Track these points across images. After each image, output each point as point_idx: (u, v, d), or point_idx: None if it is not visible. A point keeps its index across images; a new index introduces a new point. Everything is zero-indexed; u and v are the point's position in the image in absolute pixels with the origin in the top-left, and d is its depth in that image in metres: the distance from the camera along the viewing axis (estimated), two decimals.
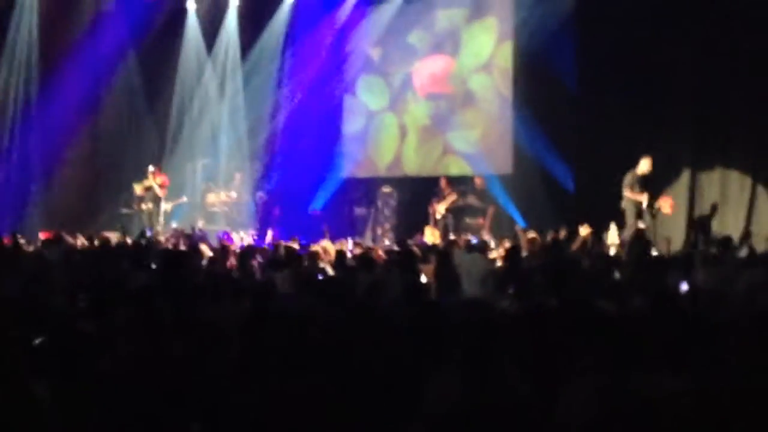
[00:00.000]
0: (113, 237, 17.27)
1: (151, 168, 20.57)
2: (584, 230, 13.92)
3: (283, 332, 5.57)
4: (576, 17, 18.73)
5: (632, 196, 15.85)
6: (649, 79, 17.33)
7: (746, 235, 15.98)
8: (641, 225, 15.65)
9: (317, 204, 21.87)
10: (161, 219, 20.35)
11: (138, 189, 20.49)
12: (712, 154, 17.29)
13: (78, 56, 21.21)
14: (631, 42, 17.27)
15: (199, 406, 4.98)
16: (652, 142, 17.24)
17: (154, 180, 20.21)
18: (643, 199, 15.80)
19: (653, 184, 16.06)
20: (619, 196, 16.03)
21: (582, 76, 18.34)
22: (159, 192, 20.23)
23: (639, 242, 13.39)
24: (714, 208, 16.92)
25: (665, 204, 16.10)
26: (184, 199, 21.54)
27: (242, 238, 19.03)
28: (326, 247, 13.93)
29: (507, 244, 14.33)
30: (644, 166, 15.92)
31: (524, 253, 12.55)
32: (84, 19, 21.85)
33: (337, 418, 4.46)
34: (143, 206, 20.43)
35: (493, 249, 14.20)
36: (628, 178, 15.96)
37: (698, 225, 16.71)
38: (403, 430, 4.67)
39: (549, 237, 14.68)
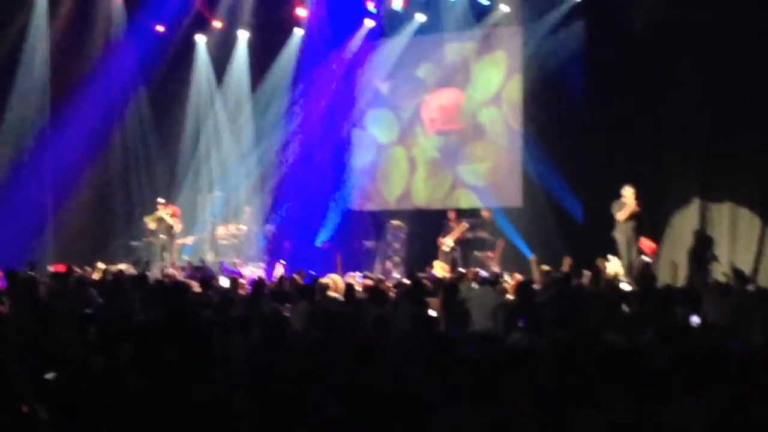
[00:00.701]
0: (124, 269, 17.29)
1: (160, 200, 20.58)
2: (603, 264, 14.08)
3: (292, 365, 5.55)
4: (585, 50, 18.78)
5: (623, 217, 16.04)
6: (659, 112, 17.33)
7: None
8: (646, 258, 15.70)
9: (325, 237, 21.88)
10: (174, 252, 20.31)
11: (150, 222, 20.47)
12: (721, 188, 17.21)
13: (88, 87, 21.24)
14: (641, 75, 17.30)
15: None
16: (662, 174, 17.26)
17: (164, 211, 20.17)
18: (620, 216, 16.04)
19: (640, 215, 16.13)
20: (611, 227, 16.21)
21: (591, 108, 18.33)
22: (171, 221, 20.16)
23: (646, 275, 13.38)
24: (708, 240, 16.88)
25: (646, 246, 16.14)
26: (191, 239, 21.57)
27: (252, 271, 19.03)
28: (335, 279, 13.92)
29: (518, 277, 14.31)
30: (628, 193, 16.09)
31: (536, 286, 12.51)
32: (94, 50, 21.85)
33: None
34: (155, 238, 20.41)
35: (504, 282, 14.13)
36: (615, 206, 16.19)
37: (693, 255, 16.68)
38: None
39: (562, 268, 14.69)
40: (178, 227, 20.41)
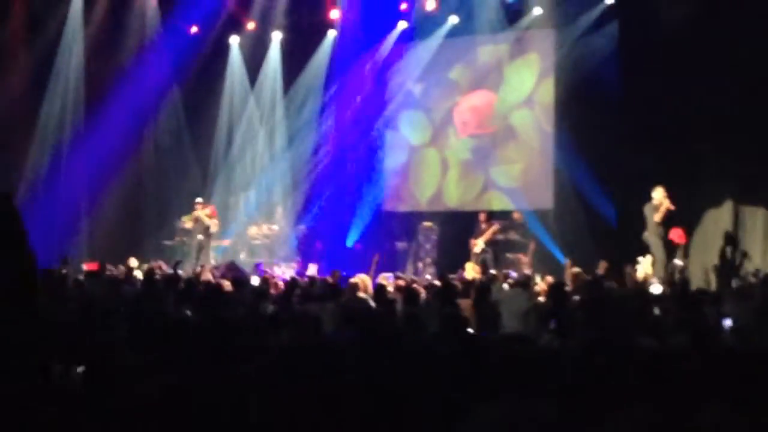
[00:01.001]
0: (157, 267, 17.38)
1: (198, 200, 20.70)
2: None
3: (324, 364, 5.56)
4: (618, 52, 18.70)
5: (659, 218, 16.04)
6: (695, 113, 17.18)
7: None
8: (679, 262, 15.63)
9: (356, 238, 21.89)
10: (211, 252, 20.39)
11: (187, 222, 20.59)
12: (756, 189, 17.10)
13: (123, 88, 21.43)
14: (675, 76, 17.18)
15: None
16: (695, 175, 17.18)
17: (202, 211, 20.26)
18: (656, 218, 16.04)
19: (674, 214, 16.15)
20: (642, 230, 16.26)
21: (625, 110, 18.21)
22: (208, 222, 20.24)
23: (679, 278, 13.31)
24: (738, 242, 16.77)
25: (675, 235, 16.06)
26: (227, 242, 21.70)
27: (283, 271, 19.06)
28: (364, 279, 13.89)
29: (549, 280, 14.27)
30: (658, 194, 16.14)
31: (568, 288, 12.46)
32: (129, 49, 22.11)
33: None
34: (189, 238, 20.56)
35: (536, 284, 14.09)
36: (647, 208, 16.28)
37: (723, 257, 16.54)
38: None
39: (597, 272, 14.69)
40: (215, 227, 20.49)
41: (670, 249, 16.10)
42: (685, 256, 16.20)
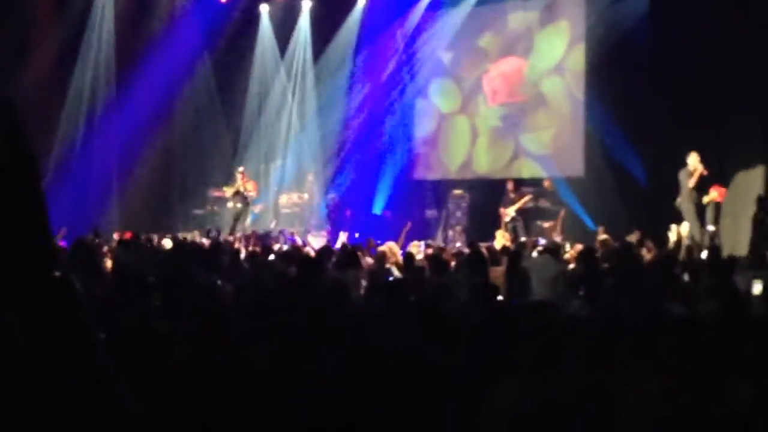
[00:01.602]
0: (189, 237, 17.52)
1: (240, 169, 20.89)
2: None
3: (353, 332, 5.59)
4: (649, 17, 18.52)
5: (693, 183, 15.92)
6: (725, 78, 17.06)
7: None
8: (711, 228, 15.52)
9: (384, 206, 21.91)
10: (248, 221, 20.49)
11: (228, 191, 20.68)
12: None
13: (153, 56, 21.38)
14: (706, 42, 17.01)
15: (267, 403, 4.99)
16: (727, 140, 17.06)
17: (243, 183, 20.35)
18: (690, 183, 15.93)
19: (707, 179, 16.05)
20: (674, 196, 16.14)
21: (656, 76, 18.08)
22: (249, 194, 20.41)
23: (711, 245, 13.26)
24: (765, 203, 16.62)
25: (715, 193, 15.96)
26: (258, 208, 21.79)
27: (314, 238, 19.11)
28: (392, 247, 13.89)
29: (578, 247, 14.25)
30: (693, 160, 15.99)
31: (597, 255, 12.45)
32: (159, 19, 22.12)
33: (408, 418, 4.45)
34: (230, 207, 20.68)
35: (566, 251, 14.08)
36: (682, 174, 16.10)
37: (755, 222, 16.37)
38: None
39: (628, 239, 14.67)
40: (253, 199, 20.61)
41: (704, 215, 15.99)
42: (716, 221, 16.06)
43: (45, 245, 1.61)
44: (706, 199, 15.91)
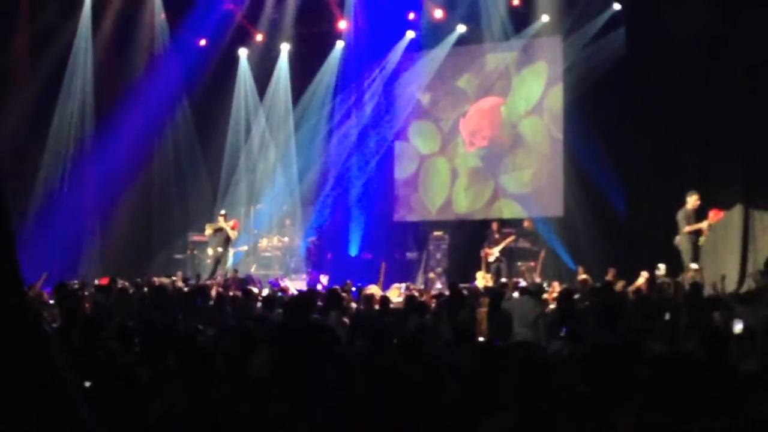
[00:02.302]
0: (167, 282, 17.47)
1: (222, 211, 20.83)
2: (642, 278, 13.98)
3: (338, 373, 5.60)
4: (626, 58, 18.70)
5: (692, 228, 15.75)
6: (702, 118, 17.22)
7: None
8: (694, 266, 15.51)
9: (361, 247, 21.96)
10: (229, 263, 20.42)
11: (208, 230, 20.60)
12: (764, 192, 17.09)
13: (133, 99, 21.53)
14: (684, 81, 17.20)
15: None
16: (704, 180, 17.14)
17: (225, 223, 20.31)
18: (704, 225, 15.72)
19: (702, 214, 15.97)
20: (674, 234, 16.00)
21: (634, 114, 18.25)
22: (231, 234, 20.30)
23: (693, 284, 13.30)
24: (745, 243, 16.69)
25: (713, 216, 15.94)
26: (245, 247, 21.79)
27: (294, 283, 19.08)
28: (374, 290, 13.98)
29: (555, 286, 14.32)
30: (693, 200, 15.88)
31: (577, 296, 12.51)
32: (139, 62, 22.26)
33: None
34: (211, 250, 20.63)
35: (546, 292, 14.13)
36: (681, 214, 15.94)
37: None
38: None
39: (606, 278, 14.71)
40: (234, 238, 20.60)
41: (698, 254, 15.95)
42: (696, 260, 16.08)
43: (13, 285, 1.61)
44: (702, 240, 15.92)
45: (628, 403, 4.77)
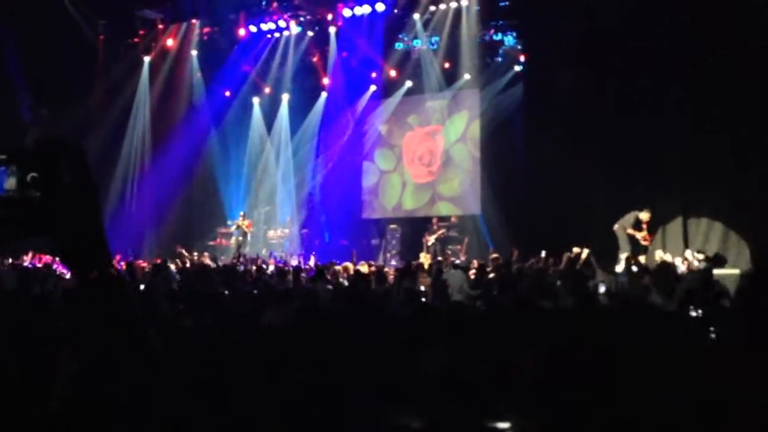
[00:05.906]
0: (207, 260, 17.65)
1: (242, 212, 21.23)
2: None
3: (323, 327, 5.64)
4: (522, 105, 18.88)
5: (632, 232, 14.92)
6: (586, 148, 16.16)
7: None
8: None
9: (336, 237, 22.06)
10: (247, 248, 20.55)
11: (233, 225, 20.99)
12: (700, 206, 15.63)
13: (177, 134, 22.03)
14: (569, 127, 16.28)
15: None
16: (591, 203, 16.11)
17: (243, 221, 20.56)
18: (639, 236, 14.87)
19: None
20: (613, 224, 15.22)
21: (529, 143, 18.17)
22: (247, 229, 20.59)
23: (568, 260, 13.35)
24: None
25: (647, 238, 15.04)
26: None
27: (293, 260, 19.10)
28: (348, 266, 14.08)
29: (475, 264, 14.41)
30: (646, 216, 14.89)
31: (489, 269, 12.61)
32: (181, 108, 22.67)
33: (356, 383, 4.51)
34: (232, 239, 20.94)
35: (472, 268, 14.10)
36: (631, 219, 15.02)
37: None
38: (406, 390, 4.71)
39: (509, 256, 14.76)
40: (250, 232, 20.89)
41: (636, 246, 14.92)
42: (627, 249, 14.79)
43: (102, 250, 1.66)
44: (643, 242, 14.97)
45: (525, 341, 4.85)
